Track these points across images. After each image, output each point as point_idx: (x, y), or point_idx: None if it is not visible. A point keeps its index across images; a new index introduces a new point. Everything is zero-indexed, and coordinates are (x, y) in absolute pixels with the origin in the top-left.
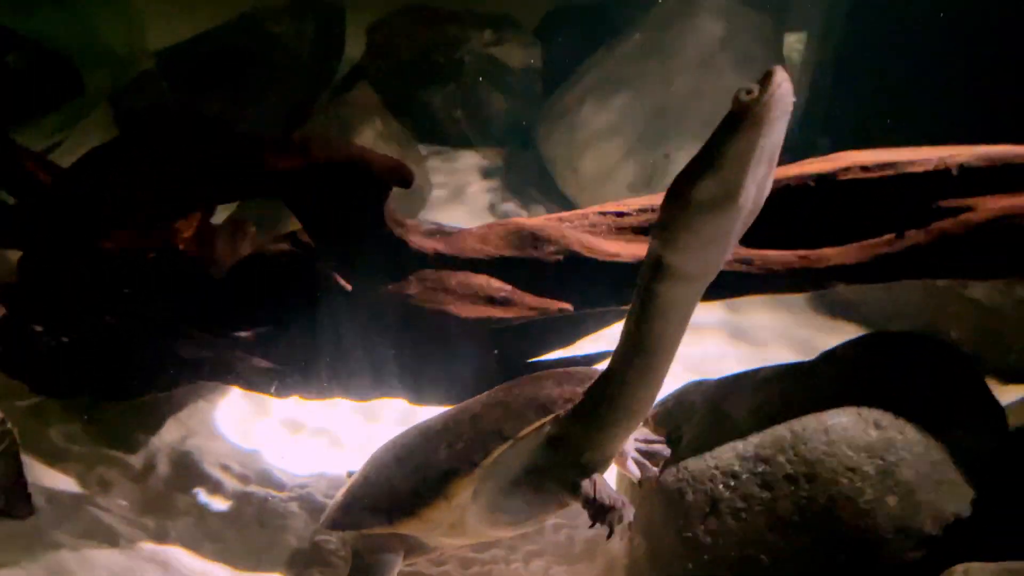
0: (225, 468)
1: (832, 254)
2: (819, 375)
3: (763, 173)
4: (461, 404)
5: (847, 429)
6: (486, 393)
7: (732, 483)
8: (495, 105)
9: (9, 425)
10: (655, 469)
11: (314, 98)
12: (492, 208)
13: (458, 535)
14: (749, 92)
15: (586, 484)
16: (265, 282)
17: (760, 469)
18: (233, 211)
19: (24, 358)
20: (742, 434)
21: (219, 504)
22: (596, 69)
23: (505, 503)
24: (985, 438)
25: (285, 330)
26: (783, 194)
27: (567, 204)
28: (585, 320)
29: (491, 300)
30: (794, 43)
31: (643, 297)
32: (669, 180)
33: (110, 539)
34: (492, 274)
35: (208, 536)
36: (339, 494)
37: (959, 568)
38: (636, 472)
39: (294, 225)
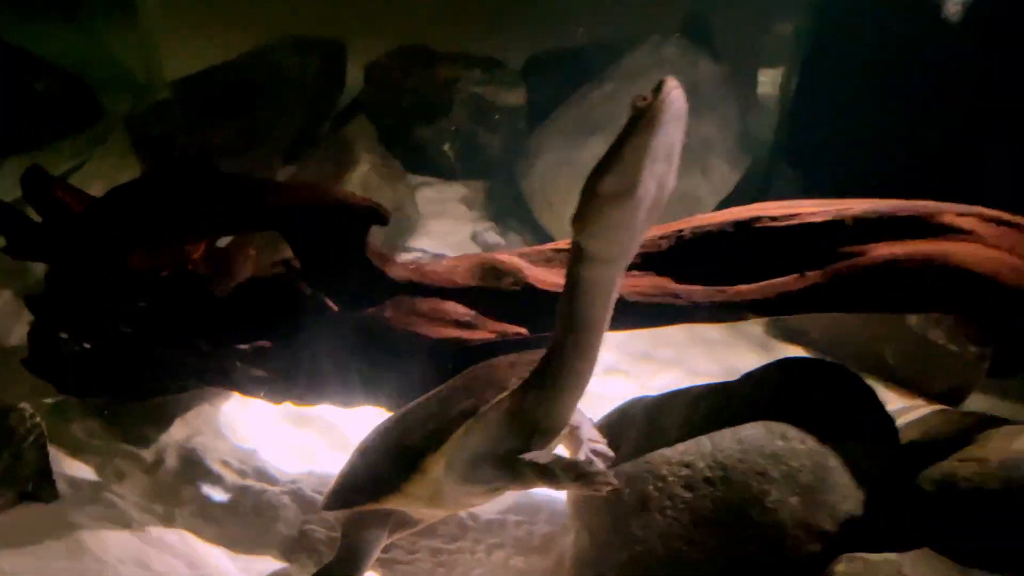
0: (226, 464)
1: (745, 290)
2: (738, 394)
3: (662, 169)
4: (431, 392)
5: (758, 439)
6: (452, 380)
7: (660, 484)
8: (481, 140)
9: (38, 420)
10: (602, 464)
11: (317, 128)
12: (475, 236)
13: (438, 505)
14: (644, 99)
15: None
16: (262, 301)
17: (684, 473)
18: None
19: (51, 362)
20: (671, 443)
21: (220, 495)
22: (571, 112)
23: (476, 474)
24: (875, 448)
25: (278, 343)
26: (707, 238)
27: (543, 234)
28: (538, 343)
29: (457, 323)
30: (768, 79)
31: (569, 281)
32: None
33: (123, 522)
34: (459, 301)
35: (210, 522)
36: (332, 482)
37: (843, 557)
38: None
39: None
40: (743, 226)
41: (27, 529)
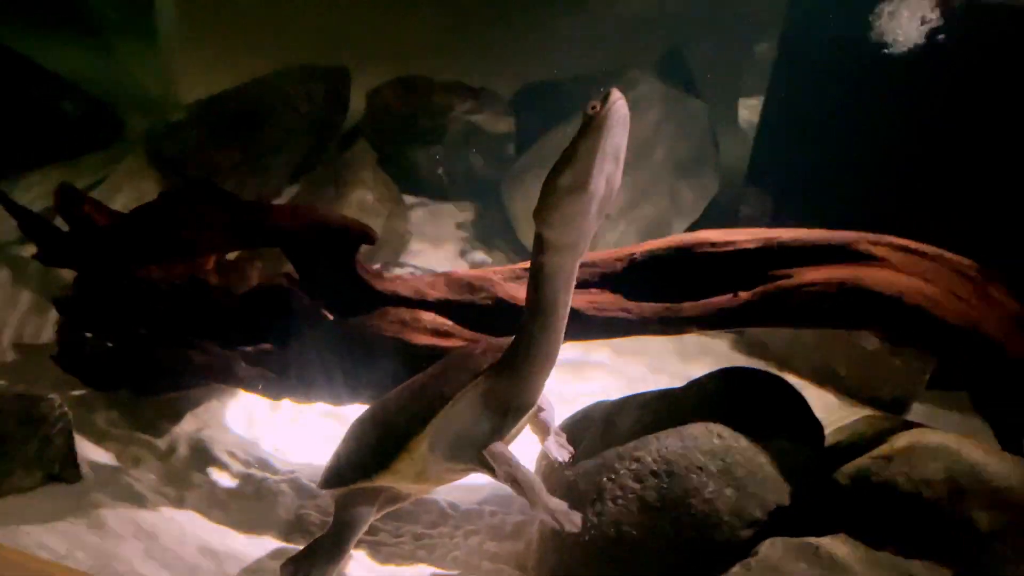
0: (231, 454)
1: (688, 307)
2: (683, 398)
3: (610, 169)
4: (412, 378)
5: (697, 438)
6: (430, 368)
7: (613, 477)
8: (472, 165)
9: (65, 409)
10: (566, 455)
11: (321, 150)
12: (463, 253)
13: (424, 481)
14: (594, 107)
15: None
16: (264, 309)
17: (633, 467)
18: None
19: (77, 358)
20: (624, 441)
21: (225, 481)
22: (553, 141)
23: (457, 452)
24: (802, 448)
25: (278, 346)
26: (656, 261)
27: (525, 253)
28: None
29: (435, 332)
30: (750, 106)
31: (533, 267)
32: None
33: (139, 502)
34: (438, 312)
35: (216, 505)
36: (326, 464)
37: (768, 540)
38: (554, 453)
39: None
40: (687, 251)
41: (53, 506)
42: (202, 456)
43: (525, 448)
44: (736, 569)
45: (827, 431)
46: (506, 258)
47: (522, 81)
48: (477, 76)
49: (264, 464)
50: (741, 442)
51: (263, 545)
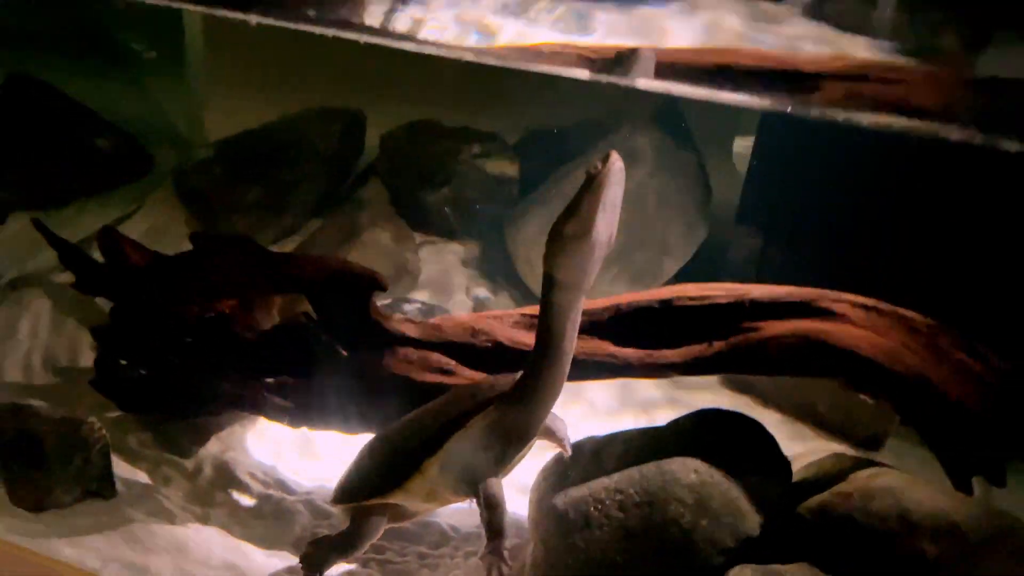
0: (252, 475)
1: (668, 353)
2: (664, 436)
3: (610, 218)
4: (426, 405)
5: (676, 472)
6: (443, 396)
7: (599, 506)
8: (478, 205)
9: (103, 431)
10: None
11: (337, 189)
12: (467, 290)
13: (432, 500)
14: (596, 167)
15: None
16: (285, 345)
17: (618, 498)
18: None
19: (113, 383)
20: (609, 473)
21: (247, 501)
22: (552, 187)
23: (465, 475)
24: (771, 483)
25: (297, 379)
26: (639, 312)
27: (526, 291)
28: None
29: (441, 371)
30: (743, 146)
31: (543, 305)
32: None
33: (169, 518)
34: (443, 353)
35: (238, 523)
36: (339, 480)
37: (736, 568)
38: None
39: None
40: (667, 303)
41: (91, 520)
42: (226, 477)
43: (529, 465)
44: None
45: (800, 465)
46: (508, 295)
47: (527, 127)
48: (485, 121)
49: (282, 486)
50: (716, 477)
51: (281, 561)
